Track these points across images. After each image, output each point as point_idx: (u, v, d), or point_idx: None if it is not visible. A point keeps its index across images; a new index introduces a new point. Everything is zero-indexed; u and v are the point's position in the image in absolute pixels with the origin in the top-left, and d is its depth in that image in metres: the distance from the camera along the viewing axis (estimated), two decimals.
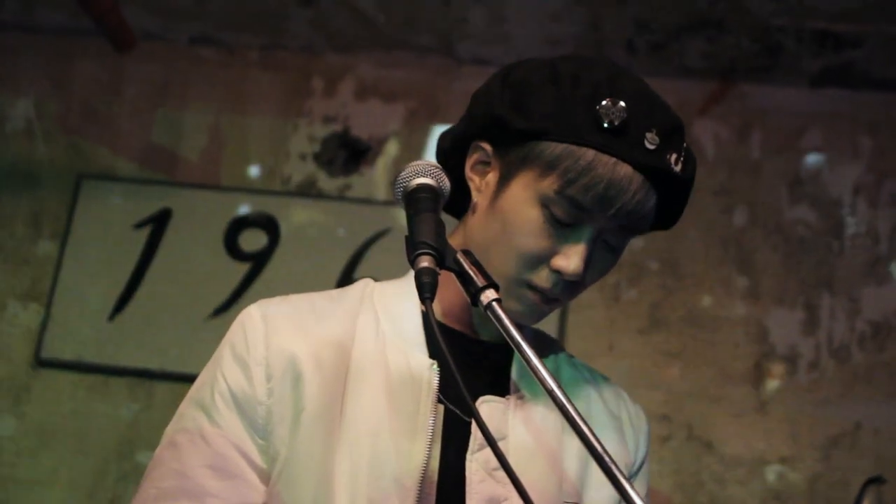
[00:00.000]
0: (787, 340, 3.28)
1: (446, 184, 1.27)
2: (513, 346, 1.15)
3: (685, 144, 1.37)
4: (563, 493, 1.34)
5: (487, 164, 1.39)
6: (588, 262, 1.32)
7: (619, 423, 1.46)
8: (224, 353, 1.39)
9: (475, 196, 1.40)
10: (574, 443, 1.36)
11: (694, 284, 3.36)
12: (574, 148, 1.29)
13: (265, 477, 1.33)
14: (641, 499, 1.10)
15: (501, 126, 1.35)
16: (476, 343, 1.40)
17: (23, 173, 3.61)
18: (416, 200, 1.24)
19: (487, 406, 1.34)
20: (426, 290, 1.14)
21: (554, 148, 1.30)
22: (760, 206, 3.41)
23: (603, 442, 1.17)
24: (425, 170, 1.27)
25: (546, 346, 1.50)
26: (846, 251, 3.35)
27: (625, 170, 1.29)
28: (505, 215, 1.34)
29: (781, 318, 3.29)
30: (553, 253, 1.32)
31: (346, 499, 1.26)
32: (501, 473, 1.29)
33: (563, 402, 1.15)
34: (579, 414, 1.15)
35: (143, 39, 3.24)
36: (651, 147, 1.31)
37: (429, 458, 1.28)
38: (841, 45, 3.28)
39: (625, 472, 1.38)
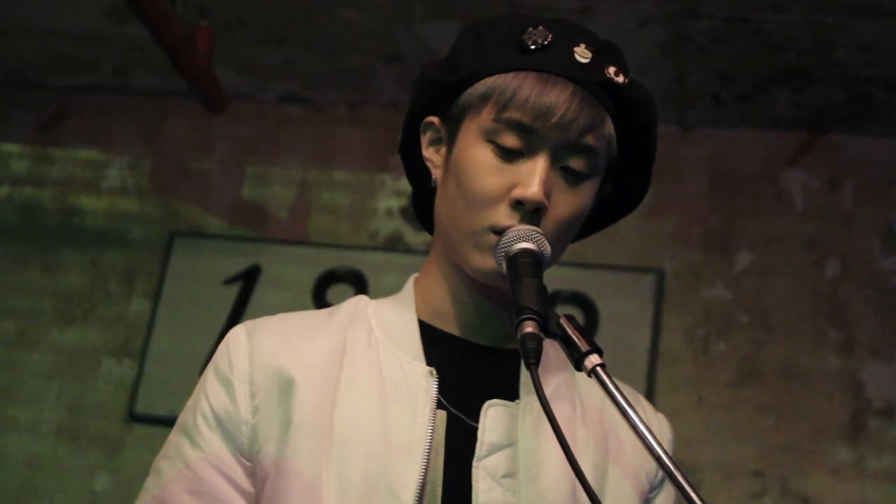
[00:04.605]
0: (884, 394, 3.21)
1: (547, 248, 1.25)
2: (619, 411, 1.13)
3: (630, 74, 1.33)
4: (577, 502, 1.27)
5: (440, 139, 1.37)
6: (547, 188, 1.26)
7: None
8: (208, 374, 1.34)
9: (435, 174, 1.37)
10: (590, 454, 1.31)
11: (785, 337, 3.31)
12: (503, 75, 1.28)
13: (252, 501, 1.28)
14: None
15: (437, 89, 1.35)
16: (479, 348, 1.34)
17: (117, 232, 3.69)
18: (518, 265, 1.22)
19: (494, 410, 1.28)
20: (531, 356, 1.12)
21: (484, 82, 1.30)
22: (852, 257, 3.36)
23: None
24: (526, 234, 1.24)
25: (562, 361, 1.40)
26: None
27: (557, 81, 1.27)
28: (458, 170, 1.30)
29: (877, 371, 3.23)
30: (511, 188, 1.26)
31: None
32: (510, 481, 1.25)
33: (657, 451, 1.12)
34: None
35: (232, 99, 3.31)
36: (583, 60, 1.28)
37: (427, 468, 1.23)
38: None
39: (646, 481, 1.35)
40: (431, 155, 1.38)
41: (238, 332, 1.35)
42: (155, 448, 3.78)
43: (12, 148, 3.86)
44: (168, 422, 3.53)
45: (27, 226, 3.75)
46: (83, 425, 3.47)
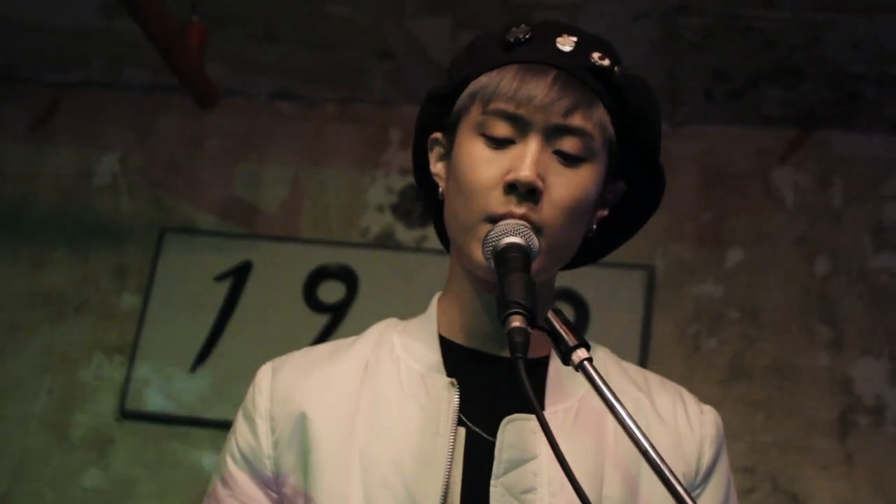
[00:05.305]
0: (874, 391, 3.22)
1: (535, 242, 1.25)
2: (606, 406, 1.14)
3: (625, 66, 1.34)
4: None
5: (445, 154, 1.37)
6: (541, 170, 1.26)
7: (674, 430, 1.38)
8: (238, 414, 1.41)
9: (441, 187, 1.37)
10: (619, 468, 1.30)
11: (775, 334, 3.32)
12: (487, 73, 1.31)
13: None
14: None
15: (436, 102, 1.38)
16: (499, 361, 1.34)
17: (108, 227, 3.69)
18: (505, 259, 1.22)
19: (513, 426, 1.28)
20: (518, 350, 1.12)
21: (472, 84, 1.32)
22: (843, 254, 3.36)
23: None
24: (514, 229, 1.24)
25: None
26: None
27: (539, 68, 1.29)
28: (456, 169, 1.32)
29: (867, 368, 3.24)
30: (505, 175, 1.27)
31: None
32: (530, 496, 1.25)
33: (643, 444, 1.12)
34: (655, 450, 1.12)
35: (224, 95, 3.31)
36: (565, 48, 1.30)
37: (448, 483, 1.25)
38: None
39: (683, 482, 1.29)
40: (439, 170, 1.39)
41: (265, 370, 1.41)
42: (145, 445, 3.78)
43: (3, 143, 3.85)
44: (158, 419, 3.55)
45: (18, 221, 3.74)
46: (73, 421, 3.47)
